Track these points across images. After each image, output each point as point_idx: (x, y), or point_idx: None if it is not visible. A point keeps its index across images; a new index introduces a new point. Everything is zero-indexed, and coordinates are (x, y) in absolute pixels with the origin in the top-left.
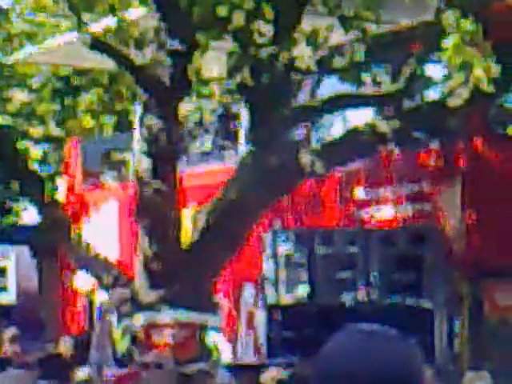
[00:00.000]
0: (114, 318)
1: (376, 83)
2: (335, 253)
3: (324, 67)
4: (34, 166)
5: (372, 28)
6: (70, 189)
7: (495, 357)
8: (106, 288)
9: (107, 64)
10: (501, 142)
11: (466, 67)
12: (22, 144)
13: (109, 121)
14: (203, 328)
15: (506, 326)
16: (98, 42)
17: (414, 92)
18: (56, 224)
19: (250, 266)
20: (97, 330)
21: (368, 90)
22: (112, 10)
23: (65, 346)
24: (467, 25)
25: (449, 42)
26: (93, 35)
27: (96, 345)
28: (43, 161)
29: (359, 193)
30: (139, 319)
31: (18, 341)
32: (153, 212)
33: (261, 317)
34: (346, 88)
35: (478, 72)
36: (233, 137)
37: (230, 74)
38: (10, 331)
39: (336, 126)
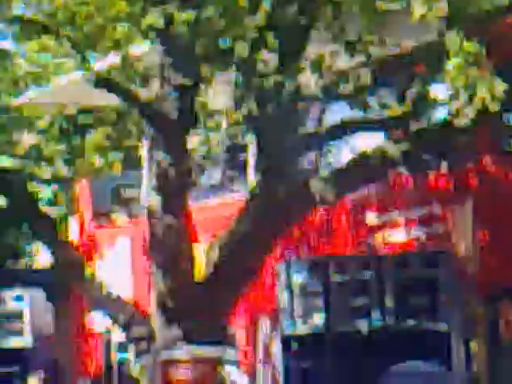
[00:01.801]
0: (131, 357)
1: (383, 107)
2: (349, 280)
3: (330, 93)
4: (45, 208)
5: (376, 51)
6: (82, 228)
7: None
8: (122, 327)
9: (113, 101)
10: (510, 161)
11: (470, 88)
12: (31, 186)
13: (117, 158)
14: (220, 362)
15: None
16: (102, 79)
17: (421, 114)
18: (69, 265)
19: (264, 298)
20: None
21: (375, 114)
22: (116, 47)
23: None
24: (470, 46)
25: (452, 64)
26: (97, 73)
27: None
28: (53, 201)
29: (371, 218)
30: (157, 356)
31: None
32: (165, 248)
33: (277, 348)
34: (353, 113)
35: (482, 92)
36: (242, 168)
37: (237, 104)
38: (40, 374)
39: (344, 152)
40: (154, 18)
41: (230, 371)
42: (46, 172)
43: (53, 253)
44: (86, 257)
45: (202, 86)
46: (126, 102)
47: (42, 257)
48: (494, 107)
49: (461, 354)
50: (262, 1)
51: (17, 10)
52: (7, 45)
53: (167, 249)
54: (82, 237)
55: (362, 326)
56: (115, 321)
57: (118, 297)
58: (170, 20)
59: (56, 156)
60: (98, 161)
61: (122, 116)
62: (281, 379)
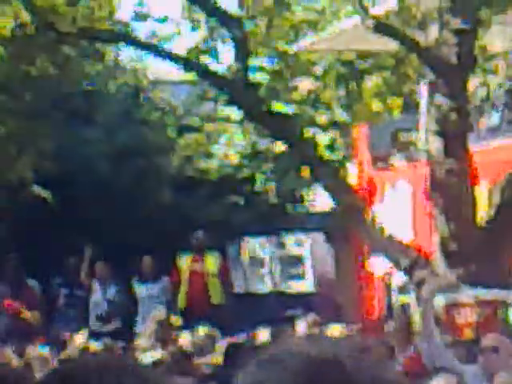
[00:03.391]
0: (412, 301)
1: None
2: None
3: None
4: (324, 153)
5: None
6: (361, 173)
7: None
8: (404, 271)
9: (391, 46)
10: None
11: None
12: (309, 131)
13: (395, 103)
14: (505, 305)
15: None
16: (381, 24)
17: None
18: (350, 209)
19: None
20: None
21: None
22: None
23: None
24: None
25: None
26: (376, 18)
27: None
28: (332, 146)
29: None
30: (440, 300)
31: (316, 326)
32: (447, 191)
33: None
34: None
35: None
36: None
37: None
38: (311, 317)
39: None
40: None
41: None
42: (323, 117)
43: (333, 197)
44: (366, 201)
45: (481, 30)
46: (404, 46)
47: (320, 201)
48: None
49: None
50: None
51: None
52: None
53: (449, 192)
54: (361, 181)
55: None
56: (396, 264)
57: (400, 241)
58: None
59: (333, 101)
60: (376, 106)
61: (400, 61)
62: None
